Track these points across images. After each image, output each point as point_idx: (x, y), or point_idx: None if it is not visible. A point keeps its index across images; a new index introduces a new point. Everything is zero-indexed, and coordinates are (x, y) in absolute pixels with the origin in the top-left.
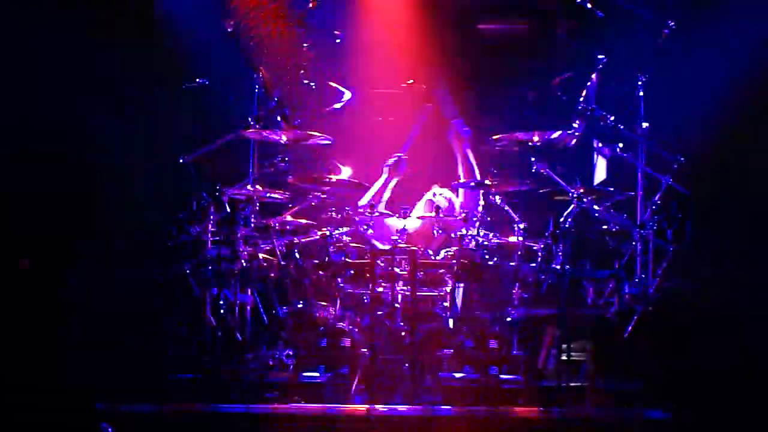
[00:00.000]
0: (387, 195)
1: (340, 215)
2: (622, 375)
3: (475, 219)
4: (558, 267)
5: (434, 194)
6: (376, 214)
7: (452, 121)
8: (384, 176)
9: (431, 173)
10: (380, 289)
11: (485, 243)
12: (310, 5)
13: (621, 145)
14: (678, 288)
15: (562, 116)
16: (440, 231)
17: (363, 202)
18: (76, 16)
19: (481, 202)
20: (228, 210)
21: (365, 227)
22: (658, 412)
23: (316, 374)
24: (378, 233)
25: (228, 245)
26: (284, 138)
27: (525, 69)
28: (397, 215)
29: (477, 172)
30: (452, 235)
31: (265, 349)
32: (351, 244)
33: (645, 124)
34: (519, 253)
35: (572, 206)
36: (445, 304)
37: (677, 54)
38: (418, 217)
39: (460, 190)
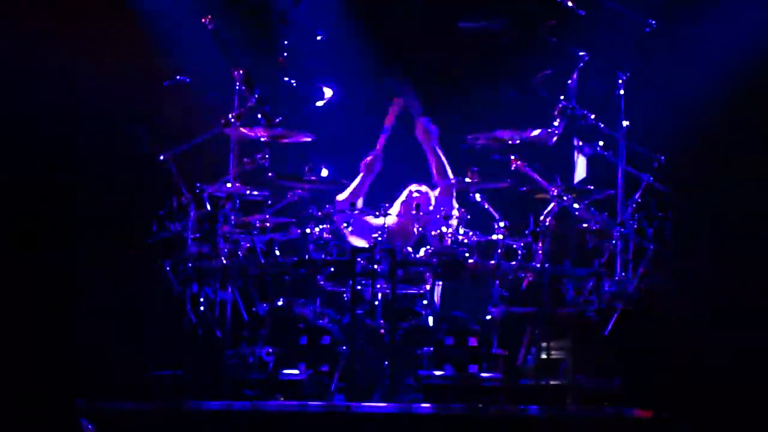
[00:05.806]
0: (362, 192)
1: (319, 213)
2: (602, 373)
3: (452, 217)
4: (538, 265)
5: (411, 192)
6: (356, 211)
7: (419, 118)
8: (361, 175)
9: (408, 170)
10: (360, 287)
11: (465, 241)
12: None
13: (601, 143)
14: (658, 286)
15: (543, 114)
16: (420, 229)
17: (341, 197)
18: (49, 11)
19: (455, 204)
20: (208, 207)
21: (345, 225)
22: (638, 411)
23: (296, 372)
24: (358, 231)
25: (208, 242)
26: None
27: (505, 67)
28: (376, 213)
29: (449, 169)
30: (432, 233)
31: (245, 346)
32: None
33: (625, 123)
34: (499, 251)
35: (552, 204)
36: (425, 302)
37: (658, 52)
38: (397, 215)
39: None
